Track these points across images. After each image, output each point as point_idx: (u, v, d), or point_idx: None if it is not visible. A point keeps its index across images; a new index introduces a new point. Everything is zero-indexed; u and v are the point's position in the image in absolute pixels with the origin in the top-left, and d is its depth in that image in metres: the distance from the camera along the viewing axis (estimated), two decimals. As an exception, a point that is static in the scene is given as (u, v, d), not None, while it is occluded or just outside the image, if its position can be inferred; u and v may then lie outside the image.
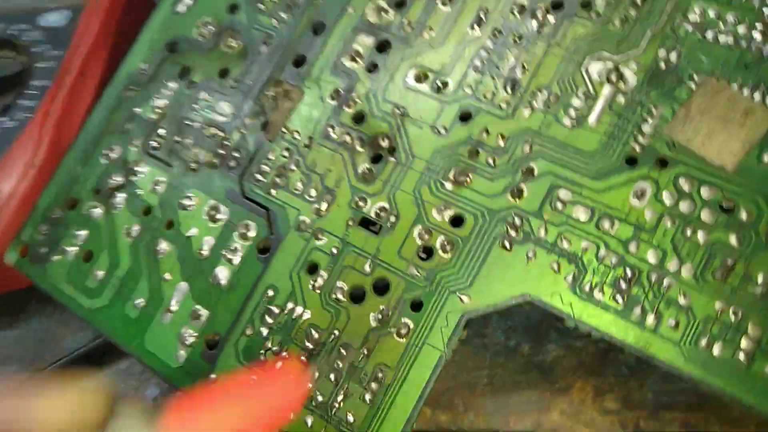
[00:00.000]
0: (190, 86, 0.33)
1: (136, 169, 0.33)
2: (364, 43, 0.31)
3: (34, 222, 0.34)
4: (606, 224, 0.25)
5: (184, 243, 0.31)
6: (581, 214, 0.26)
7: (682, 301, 0.24)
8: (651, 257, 0.24)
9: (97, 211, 0.33)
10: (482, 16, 0.29)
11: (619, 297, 0.24)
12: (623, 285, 0.24)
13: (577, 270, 0.25)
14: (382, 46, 0.31)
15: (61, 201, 0.34)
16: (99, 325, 0.31)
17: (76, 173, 0.34)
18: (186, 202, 0.31)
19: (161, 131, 0.33)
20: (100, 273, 0.32)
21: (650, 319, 0.24)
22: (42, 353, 0.36)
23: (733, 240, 0.24)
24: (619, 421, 0.29)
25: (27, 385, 0.15)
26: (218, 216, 0.31)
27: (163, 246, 0.31)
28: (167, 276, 0.30)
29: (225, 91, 0.33)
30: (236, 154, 0.31)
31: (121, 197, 0.33)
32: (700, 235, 0.24)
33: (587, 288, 0.25)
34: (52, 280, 0.33)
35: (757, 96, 0.25)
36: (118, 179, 0.33)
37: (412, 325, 0.26)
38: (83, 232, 0.33)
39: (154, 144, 0.33)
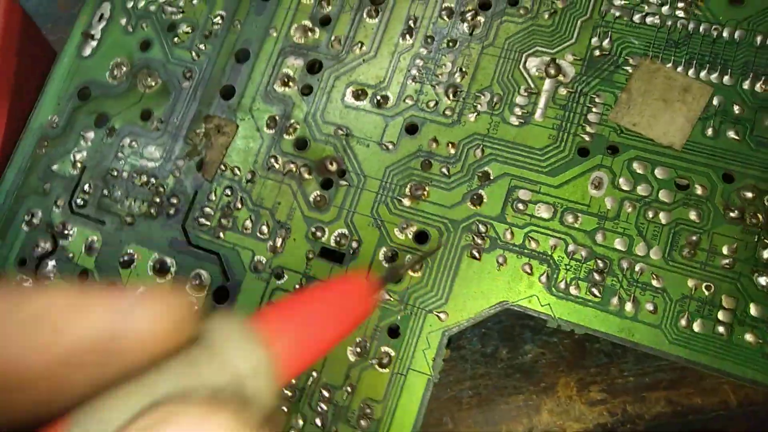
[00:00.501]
0: (110, 134, 0.31)
1: (64, 231, 0.30)
2: (294, 65, 0.30)
3: (-47, 307, 0.30)
4: (570, 218, 0.25)
5: (131, 304, 0.28)
6: (544, 212, 0.25)
7: (655, 283, 0.24)
8: (619, 244, 0.24)
9: (26, 285, 0.30)
10: (411, 24, 0.29)
11: (594, 290, 0.24)
12: (597, 277, 0.24)
13: (550, 269, 0.25)
14: (313, 67, 0.30)
15: (-19, 279, 0.30)
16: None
17: (-5, 246, 0.31)
18: (127, 259, 0.29)
19: (86, 187, 0.30)
20: (41, 351, 0.29)
21: (629, 306, 0.24)
22: None
23: (693, 216, 0.24)
24: (607, 410, 0.29)
25: (117, 296, 0.14)
26: (165, 269, 0.28)
27: (108, 311, 0.28)
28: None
29: (150, 135, 0.30)
30: (174, 200, 0.29)
31: (51, 265, 0.30)
32: (662, 216, 0.24)
33: (562, 286, 0.25)
34: (-15, 369, 0.29)
35: (691, 72, 0.26)
36: (44, 246, 0.30)
37: (393, 353, 0.25)
38: (13, 310, 0.30)
39: (80, 201, 0.30)
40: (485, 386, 0.30)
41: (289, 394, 0.26)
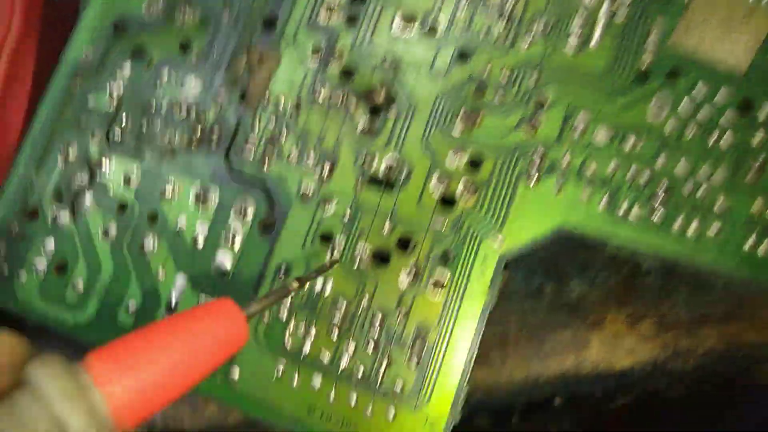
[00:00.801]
0: (147, 67, 0.30)
1: (101, 165, 0.29)
2: (339, -6, 0.29)
3: (-13, 241, 0.30)
4: (630, 143, 0.25)
5: (173, 235, 0.28)
6: (603, 136, 0.25)
7: (719, 207, 0.23)
8: (681, 169, 0.24)
9: (64, 218, 0.29)
10: (461, -49, 0.28)
11: (656, 213, 0.24)
12: (658, 200, 0.24)
13: (610, 193, 0.24)
14: (359, -5, 0.29)
15: (16, 214, 0.30)
16: (89, 340, 0.27)
17: (30, 180, 0.30)
18: (167, 191, 0.28)
19: (123, 120, 0.30)
20: (80, 283, 0.28)
21: (692, 229, 0.23)
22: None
23: (757, 138, 0.24)
24: (658, 345, 0.29)
25: None
26: (208, 200, 0.28)
27: (150, 242, 0.28)
28: (160, 273, 0.27)
29: (190, 67, 0.30)
30: (216, 132, 0.28)
31: (88, 198, 0.29)
32: (725, 139, 0.24)
33: (623, 210, 0.24)
34: (23, 301, 0.29)
35: (753, -5, 0.25)
36: (81, 180, 0.29)
37: (447, 279, 0.25)
38: (51, 243, 0.29)
39: (117, 135, 0.30)
40: (532, 322, 0.30)
41: (339, 319, 0.25)
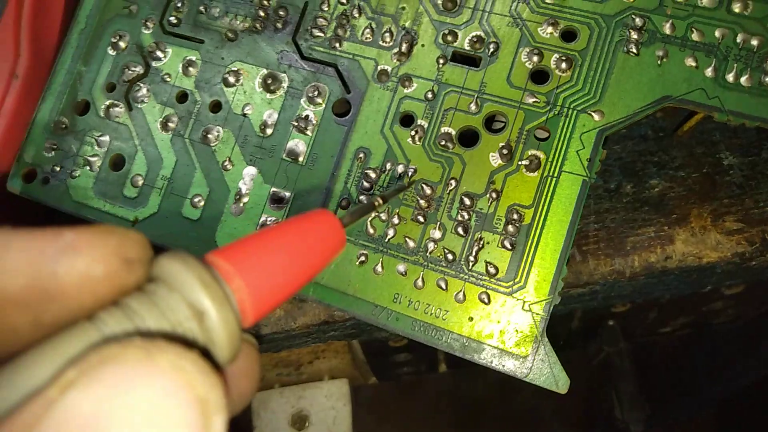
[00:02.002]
0: (202, -52, 0.28)
1: (156, 53, 0.27)
2: None
3: (35, 138, 0.28)
4: (738, 6, 0.23)
5: (240, 123, 0.26)
6: (708, 1, 0.23)
7: (838, 69, 0.22)
8: (795, 31, 0.22)
9: (118, 110, 0.27)
10: None
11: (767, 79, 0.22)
12: (772, 65, 0.22)
13: (717, 60, 0.23)
14: None
15: (66, 108, 0.28)
16: (153, 237, 0.26)
17: (79, 72, 0.28)
18: (231, 77, 0.26)
19: (178, 4, 0.28)
20: (139, 178, 0.26)
21: (810, 94, 0.22)
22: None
23: None
24: (745, 239, 0.27)
25: (53, 235, 0.12)
26: (276, 85, 0.26)
27: (215, 131, 0.26)
28: (227, 164, 0.26)
29: (249, -53, 0.28)
30: (281, 13, 0.27)
31: (144, 88, 0.27)
32: None
33: (731, 77, 0.23)
34: (77, 199, 0.27)
35: None
36: (135, 69, 0.28)
37: (542, 156, 0.23)
38: (105, 137, 0.27)
39: (173, 20, 0.28)
40: (612, 220, 0.28)
41: (424, 204, 0.24)
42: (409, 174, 0.24)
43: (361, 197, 0.24)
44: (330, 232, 0.17)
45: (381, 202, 0.22)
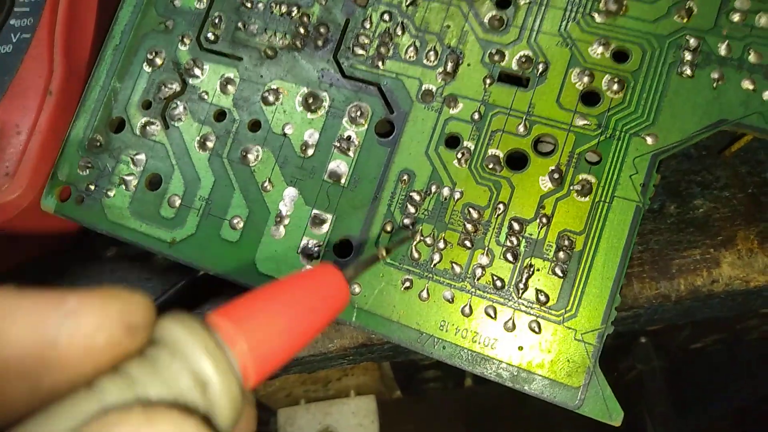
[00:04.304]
0: (239, -36, 0.28)
1: (193, 70, 0.27)
2: None
3: (69, 156, 0.28)
4: (798, 28, 0.22)
5: (280, 143, 0.25)
6: (766, 21, 0.22)
7: None
8: None
9: (154, 128, 0.27)
10: None
11: (830, 103, 0.21)
12: (834, 89, 0.22)
13: (776, 83, 0.22)
14: None
15: (101, 125, 0.27)
16: (190, 258, 0.25)
17: (113, 89, 0.28)
18: (270, 96, 0.26)
19: (215, 21, 0.27)
20: (176, 198, 0.26)
21: None
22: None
23: None
24: (793, 262, 0.27)
25: (56, 299, 0.12)
26: (317, 104, 0.25)
27: (254, 151, 0.26)
28: (267, 185, 0.25)
29: (288, -38, 0.27)
30: (322, 30, 0.26)
31: (180, 106, 0.27)
32: None
33: (791, 101, 0.22)
34: (113, 219, 0.26)
35: None
36: (171, 86, 0.27)
37: (593, 180, 0.23)
38: (141, 156, 0.27)
39: (210, 37, 0.27)
40: (656, 241, 0.28)
41: (471, 228, 0.23)
42: (456, 197, 0.23)
43: (405, 220, 0.24)
44: (334, 289, 0.17)
45: (385, 254, 0.21)
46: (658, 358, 0.40)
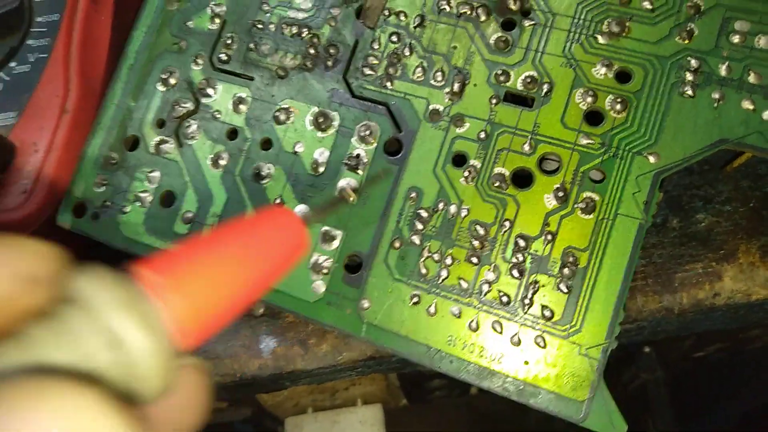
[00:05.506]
0: (251, -15, 0.28)
1: (206, 89, 0.28)
2: None
3: (85, 173, 0.28)
4: (796, 49, 0.23)
5: (291, 161, 0.26)
6: (765, 42, 0.23)
7: None
8: None
9: (168, 146, 0.28)
10: None
11: (828, 123, 0.22)
12: (832, 109, 0.22)
13: (775, 103, 0.23)
14: None
15: (116, 143, 0.28)
16: (204, 274, 0.26)
17: (128, 108, 0.28)
18: (281, 115, 0.27)
19: (228, 41, 0.28)
20: (190, 215, 0.27)
21: None
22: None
23: None
24: (795, 276, 0.27)
25: None
26: (327, 123, 0.26)
27: (266, 169, 0.26)
28: (278, 202, 0.26)
29: (298, -16, 0.28)
30: (332, 51, 0.27)
31: (194, 125, 0.28)
32: None
33: (790, 121, 0.22)
34: (128, 235, 0.27)
35: None
36: (185, 105, 0.28)
37: (597, 198, 0.23)
38: (156, 173, 0.27)
39: (223, 57, 0.28)
40: (659, 255, 0.28)
41: (478, 245, 0.24)
42: (463, 215, 0.24)
43: (413, 237, 0.24)
44: (289, 232, 0.15)
45: (355, 196, 0.20)
46: (661, 368, 0.40)
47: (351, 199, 0.20)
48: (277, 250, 0.15)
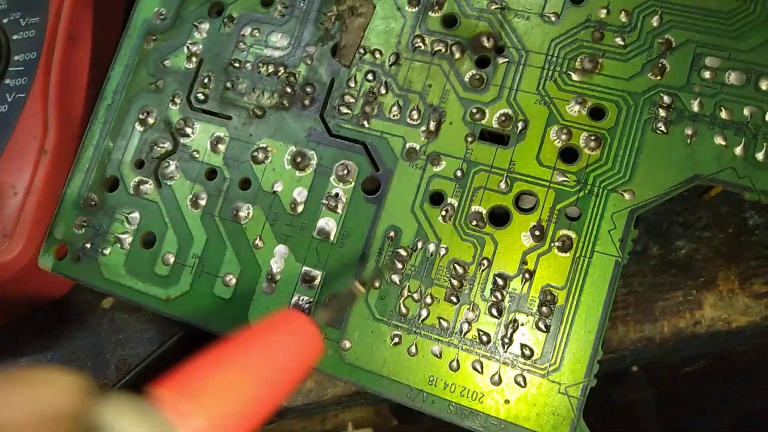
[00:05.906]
0: (227, 23, 0.28)
1: (184, 129, 0.28)
2: (432, -61, 0.27)
3: (65, 215, 0.28)
4: (765, 83, 0.23)
5: (270, 201, 0.26)
6: (735, 78, 0.23)
7: None
8: (824, 110, 0.22)
9: (147, 187, 0.28)
10: None
11: (799, 158, 0.22)
12: (803, 144, 0.22)
13: (747, 139, 0.23)
14: (454, -60, 0.27)
15: (95, 184, 0.28)
16: (185, 315, 0.26)
17: (107, 149, 0.28)
18: (260, 154, 0.27)
19: (205, 80, 0.28)
20: (170, 256, 0.27)
21: (842, 173, 0.22)
22: (102, 368, 0.31)
23: None
24: (774, 302, 0.27)
25: None
26: (305, 162, 0.26)
27: (245, 209, 0.26)
28: (258, 242, 0.26)
29: (274, 21, 0.28)
30: (308, 89, 0.27)
31: (172, 165, 0.28)
32: None
33: (762, 156, 0.23)
34: (109, 277, 0.27)
35: None
36: (163, 145, 0.28)
37: (574, 236, 0.23)
38: (135, 214, 0.27)
39: (200, 96, 0.28)
40: (639, 284, 0.28)
41: (457, 284, 0.24)
42: (441, 253, 0.24)
43: (393, 277, 0.24)
44: (304, 339, 0.15)
45: (362, 288, 0.20)
46: (650, 385, 0.41)
47: (359, 293, 0.20)
48: (292, 357, 0.15)
